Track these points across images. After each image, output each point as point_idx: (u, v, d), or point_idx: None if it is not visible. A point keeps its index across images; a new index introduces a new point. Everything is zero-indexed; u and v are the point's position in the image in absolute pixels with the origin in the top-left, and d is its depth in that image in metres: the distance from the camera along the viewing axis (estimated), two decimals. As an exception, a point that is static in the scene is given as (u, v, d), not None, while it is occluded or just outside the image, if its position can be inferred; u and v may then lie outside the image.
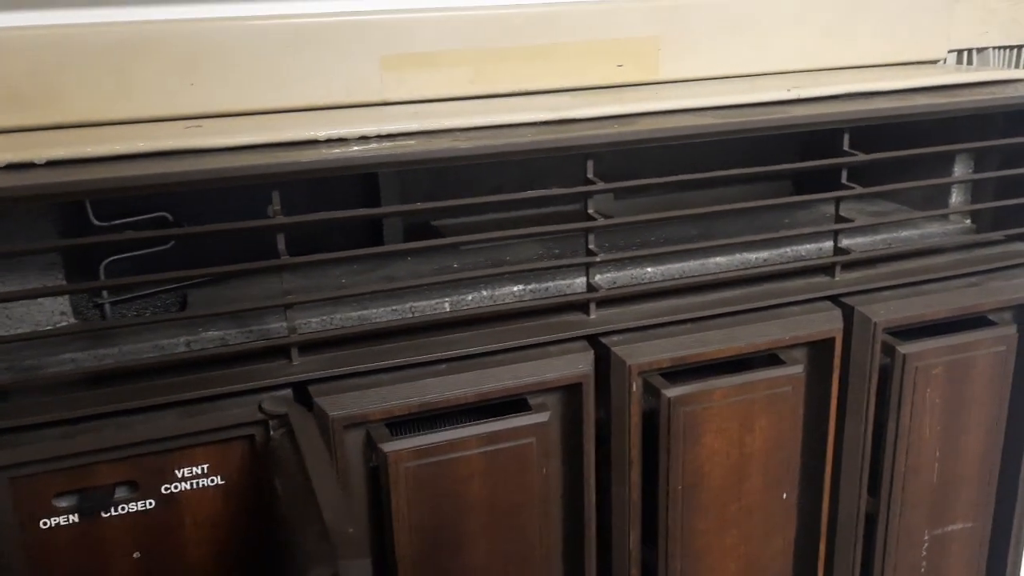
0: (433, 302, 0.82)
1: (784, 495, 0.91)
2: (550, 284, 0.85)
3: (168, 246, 0.80)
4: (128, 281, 0.76)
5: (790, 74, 1.01)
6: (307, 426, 0.69)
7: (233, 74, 0.83)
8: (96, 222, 0.81)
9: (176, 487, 0.72)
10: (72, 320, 0.79)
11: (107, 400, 0.69)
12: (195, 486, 0.72)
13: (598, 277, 0.85)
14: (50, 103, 0.80)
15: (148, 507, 0.71)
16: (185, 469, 0.72)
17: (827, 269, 0.90)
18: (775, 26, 0.99)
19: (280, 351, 0.74)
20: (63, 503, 0.69)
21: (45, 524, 0.69)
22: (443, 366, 0.77)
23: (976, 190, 1.01)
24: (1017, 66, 1.13)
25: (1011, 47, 1.11)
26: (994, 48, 1.10)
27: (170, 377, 0.72)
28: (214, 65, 0.83)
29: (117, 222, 0.82)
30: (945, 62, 1.08)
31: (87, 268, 0.83)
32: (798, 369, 0.87)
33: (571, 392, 0.80)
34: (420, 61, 0.89)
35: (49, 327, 0.77)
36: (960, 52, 1.09)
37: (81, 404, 0.69)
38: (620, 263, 0.88)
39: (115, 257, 0.82)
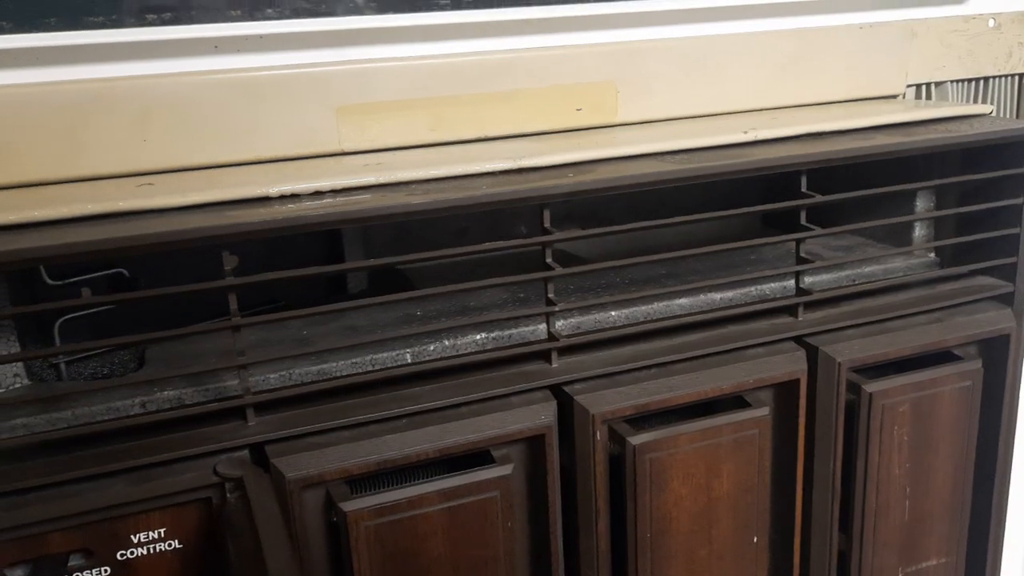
0: (394, 353, 0.81)
1: (755, 538, 0.90)
2: (513, 331, 0.84)
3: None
4: (79, 346, 0.75)
5: (749, 113, 1.01)
6: (262, 489, 0.68)
7: (187, 129, 0.83)
8: (49, 280, 0.80)
9: (132, 553, 0.71)
10: (26, 381, 0.78)
11: (59, 468, 0.68)
12: (152, 551, 0.71)
13: (562, 322, 0.84)
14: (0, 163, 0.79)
15: (103, 575, 0.70)
16: (141, 534, 0.71)
17: (790, 310, 0.90)
18: (732, 66, 1.00)
19: (235, 412, 0.73)
20: (16, 573, 0.68)
21: (-4, 596, 0.68)
22: (403, 421, 0.76)
23: (939, 224, 1.01)
24: (975, 99, 1.14)
25: (969, 80, 1.12)
26: (952, 82, 1.11)
27: (124, 441, 0.71)
28: (167, 120, 0.82)
29: (71, 280, 0.81)
30: (904, 97, 1.09)
31: (42, 328, 0.82)
32: (764, 412, 0.87)
33: (534, 443, 0.80)
34: (378, 110, 0.88)
35: (2, 390, 0.76)
36: (919, 86, 1.10)
37: (32, 473, 0.68)
38: (584, 308, 0.87)
39: (70, 316, 0.81)
